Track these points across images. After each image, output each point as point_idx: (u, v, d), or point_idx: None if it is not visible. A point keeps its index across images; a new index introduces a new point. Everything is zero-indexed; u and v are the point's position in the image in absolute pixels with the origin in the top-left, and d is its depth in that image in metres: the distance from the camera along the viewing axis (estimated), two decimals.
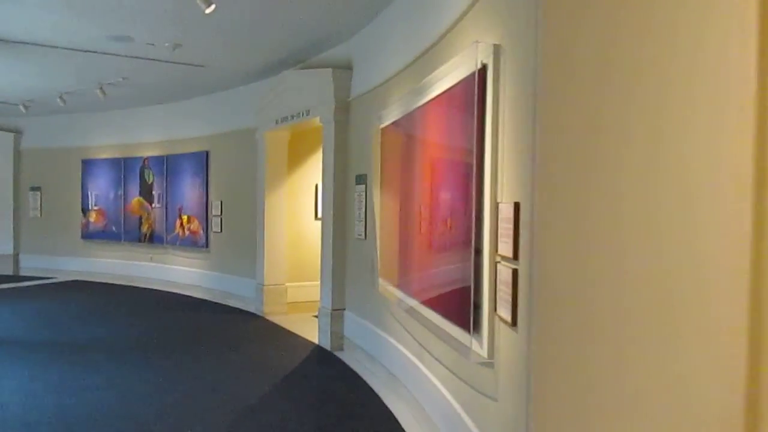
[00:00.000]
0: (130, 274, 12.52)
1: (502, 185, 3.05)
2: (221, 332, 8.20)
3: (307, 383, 5.93)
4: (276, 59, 8.21)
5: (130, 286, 12.20)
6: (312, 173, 9.96)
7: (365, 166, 6.60)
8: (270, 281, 9.30)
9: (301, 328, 8.33)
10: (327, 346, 7.28)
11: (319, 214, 9.84)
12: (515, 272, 2.76)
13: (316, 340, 7.63)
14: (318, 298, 9.66)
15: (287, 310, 9.40)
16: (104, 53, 8.00)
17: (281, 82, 8.43)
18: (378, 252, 5.93)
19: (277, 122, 8.68)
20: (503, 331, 2.98)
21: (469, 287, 3.32)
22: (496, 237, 3.08)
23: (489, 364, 3.18)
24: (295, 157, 9.66)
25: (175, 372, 6.18)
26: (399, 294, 5.02)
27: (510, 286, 2.79)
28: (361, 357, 6.62)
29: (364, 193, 6.66)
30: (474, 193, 3.27)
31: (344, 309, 7.30)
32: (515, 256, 2.76)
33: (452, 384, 3.94)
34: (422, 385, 4.72)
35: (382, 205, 5.77)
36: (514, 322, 2.77)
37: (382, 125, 5.78)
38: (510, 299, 2.79)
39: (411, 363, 5.04)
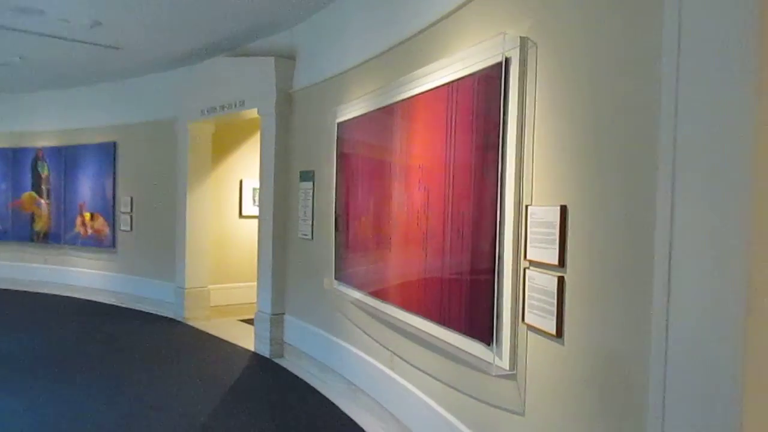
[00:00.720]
0: (20, 277, 11.23)
1: (531, 187, 2.86)
2: (143, 341, 7.47)
3: (256, 395, 5.48)
4: (204, 44, 7.60)
5: (21, 290, 10.93)
6: (236, 168, 9.37)
7: (314, 162, 6.23)
8: (192, 284, 8.64)
9: (230, 334, 7.79)
10: (266, 353, 6.83)
11: (244, 212, 9.35)
12: (561, 280, 2.58)
13: (251, 347, 7.14)
14: (244, 300, 9.25)
15: (210, 315, 8.79)
16: (3, 27, 7.04)
17: (210, 69, 7.83)
18: (334, 253, 5.59)
19: (203, 113, 8.05)
20: (537, 342, 2.79)
21: (488, 297, 3.10)
22: (523, 242, 2.89)
23: (511, 376, 2.99)
24: (219, 151, 9.04)
25: (103, 389, 5.50)
26: (370, 301, 4.73)
27: (553, 295, 2.60)
28: (307, 364, 6.24)
29: (311, 191, 6.29)
30: (495, 196, 3.06)
31: (284, 313, 6.89)
32: (561, 263, 2.57)
33: (448, 397, 3.72)
34: (398, 397, 4.46)
35: (342, 203, 5.44)
36: (558, 334, 2.58)
37: (341, 119, 5.45)
38: (554, 309, 2.60)
39: (381, 373, 4.77)
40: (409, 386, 4.27)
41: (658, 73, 1.96)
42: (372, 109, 4.74)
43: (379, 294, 4.56)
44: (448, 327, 3.52)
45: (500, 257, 3.03)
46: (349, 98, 5.35)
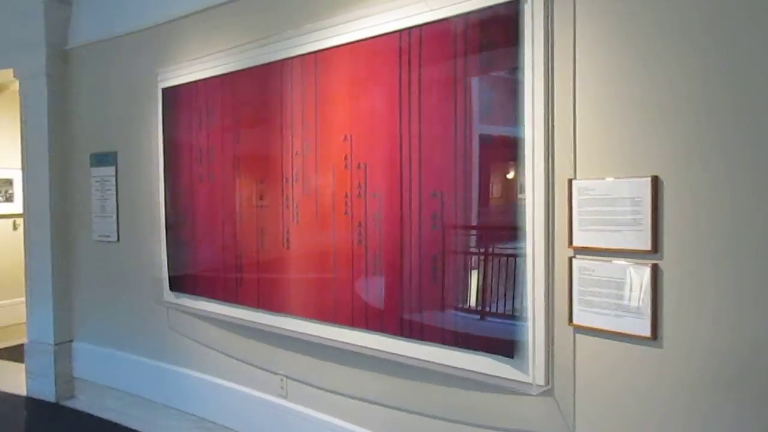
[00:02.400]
0: None
1: (574, 158, 2.30)
2: None
3: None
4: None
5: None
6: None
7: (118, 140, 4.78)
8: None
9: None
10: (50, 396, 5.10)
11: None
12: (655, 269, 2.08)
13: (20, 391, 5.28)
14: None
15: None
16: None
17: None
18: (166, 259, 4.32)
19: None
20: (600, 347, 2.26)
21: (506, 299, 2.47)
22: (566, 225, 2.32)
23: (545, 392, 2.42)
24: None
25: None
26: (251, 315, 3.68)
27: (644, 289, 2.09)
28: (119, 404, 4.78)
29: (113, 178, 4.82)
30: (520, 168, 2.43)
31: (72, 341, 5.24)
32: (655, 249, 2.07)
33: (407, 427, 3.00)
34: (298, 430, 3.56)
35: (179, 194, 4.19)
36: (654, 335, 2.09)
37: (169, 84, 4.19)
38: (647, 306, 2.09)
39: (262, 403, 3.77)
40: (321, 416, 3.42)
41: None
42: (241, 68, 3.66)
43: (272, 307, 3.55)
44: (424, 341, 2.78)
45: (524, 247, 2.42)
46: (184, 57, 4.12)
